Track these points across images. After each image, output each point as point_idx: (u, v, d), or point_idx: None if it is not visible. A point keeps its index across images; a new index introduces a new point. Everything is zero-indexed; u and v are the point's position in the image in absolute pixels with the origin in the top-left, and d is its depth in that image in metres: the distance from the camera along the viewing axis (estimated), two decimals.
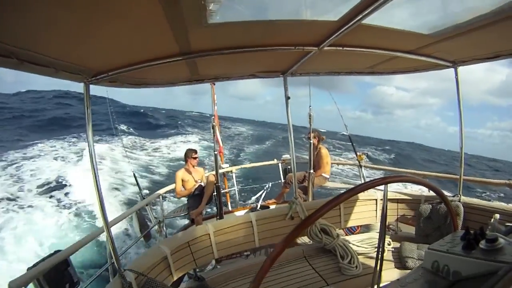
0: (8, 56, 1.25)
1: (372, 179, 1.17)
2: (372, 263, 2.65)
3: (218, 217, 4.55)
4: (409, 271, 2.31)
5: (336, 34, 1.75)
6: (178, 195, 5.25)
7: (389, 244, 2.89)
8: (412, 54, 2.33)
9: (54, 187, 11.03)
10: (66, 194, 10.46)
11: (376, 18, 1.48)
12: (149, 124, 36.53)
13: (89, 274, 5.87)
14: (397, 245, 2.86)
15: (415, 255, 2.60)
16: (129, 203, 9.60)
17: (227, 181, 6.67)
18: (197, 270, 2.65)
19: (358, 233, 4.42)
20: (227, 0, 1.31)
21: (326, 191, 7.28)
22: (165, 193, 5.44)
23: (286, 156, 6.75)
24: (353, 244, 2.83)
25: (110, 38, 1.45)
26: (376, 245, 2.83)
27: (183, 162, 5.42)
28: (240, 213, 5.48)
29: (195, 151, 5.37)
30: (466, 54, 2.50)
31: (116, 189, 11.56)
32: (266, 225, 2.93)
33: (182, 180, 5.17)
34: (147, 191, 5.98)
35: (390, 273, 2.48)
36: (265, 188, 5.64)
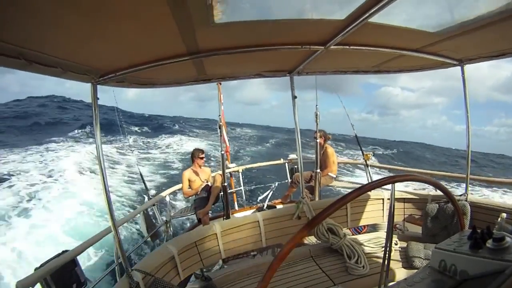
0: (16, 57, 1.27)
1: (379, 178, 1.18)
2: (379, 263, 2.64)
3: (225, 217, 4.57)
4: (416, 270, 2.31)
5: (343, 33, 1.75)
6: (185, 195, 5.28)
7: (396, 244, 2.89)
8: (418, 53, 2.31)
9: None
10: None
11: (382, 17, 1.48)
12: (157, 126, 37.44)
13: (94, 274, 5.98)
14: (404, 244, 2.85)
15: (422, 255, 2.59)
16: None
17: (234, 181, 6.69)
18: (204, 270, 2.67)
19: (365, 232, 4.40)
20: (234, 0, 1.32)
21: (333, 191, 7.27)
22: (172, 193, 5.48)
23: (292, 155, 6.75)
24: (360, 244, 2.83)
25: (117, 39, 1.46)
26: (383, 245, 2.84)
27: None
28: (247, 213, 5.49)
29: (202, 151, 5.39)
30: (472, 52, 2.48)
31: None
32: (273, 224, 2.93)
33: (189, 180, 5.20)
34: (154, 191, 6.02)
35: (397, 273, 2.48)
36: (271, 187, 5.65)
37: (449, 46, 2.23)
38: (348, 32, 1.71)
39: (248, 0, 1.38)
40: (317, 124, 3.91)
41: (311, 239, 3.64)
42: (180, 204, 9.25)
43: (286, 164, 6.71)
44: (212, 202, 4.98)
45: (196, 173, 5.24)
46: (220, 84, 6.22)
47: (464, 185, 3.00)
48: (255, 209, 5.54)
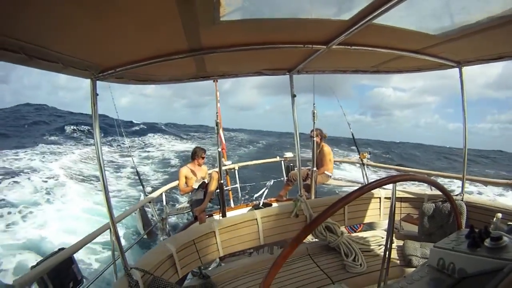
0: (17, 51, 1.25)
1: (380, 178, 1.20)
2: (375, 261, 2.66)
3: (221, 214, 4.57)
4: (413, 269, 2.33)
5: (346, 33, 1.75)
6: (182, 192, 5.27)
7: (392, 242, 2.90)
8: (418, 54, 2.33)
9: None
10: None
11: (385, 18, 1.49)
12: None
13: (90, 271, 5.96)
14: (400, 243, 2.88)
15: (419, 253, 2.61)
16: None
17: (229, 179, 6.68)
18: (202, 267, 2.67)
19: (361, 231, 4.44)
20: None
21: (329, 189, 7.29)
22: (168, 190, 5.46)
23: (288, 153, 6.76)
24: (357, 242, 2.85)
25: (120, 34, 1.44)
26: (380, 243, 2.86)
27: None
28: (243, 210, 5.50)
29: (205, 151, 5.38)
30: (471, 55, 2.51)
31: None
32: (271, 222, 2.93)
33: (186, 177, 5.18)
34: (150, 188, 6.00)
35: (394, 271, 2.51)
36: (267, 185, 5.65)
37: (448, 49, 2.25)
38: (352, 33, 1.71)
39: None
40: (314, 122, 3.91)
41: (308, 237, 3.65)
42: (176, 201, 9.25)
43: (282, 162, 6.72)
44: (208, 200, 4.98)
45: (194, 171, 5.24)
46: (217, 81, 6.21)
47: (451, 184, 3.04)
48: (251, 207, 5.55)
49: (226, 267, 2.78)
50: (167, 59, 1.89)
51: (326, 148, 5.45)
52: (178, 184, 5.25)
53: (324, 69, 2.98)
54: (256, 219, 2.87)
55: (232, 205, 5.98)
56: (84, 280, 2.49)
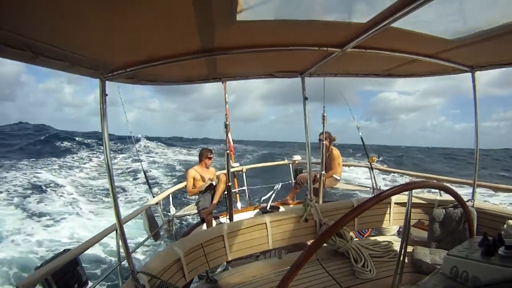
0: (22, 49, 1.22)
1: (397, 185, 1.19)
2: (385, 267, 2.63)
3: (228, 217, 4.55)
4: (423, 275, 2.29)
5: (363, 37, 1.72)
6: (189, 194, 5.27)
7: (405, 249, 2.87)
8: (432, 58, 2.30)
9: None
10: None
11: (402, 22, 1.47)
12: None
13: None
14: (410, 249, 2.84)
15: (428, 260, 2.58)
16: None
17: (237, 181, 6.67)
18: (209, 271, 2.65)
19: (368, 236, 4.40)
20: None
21: (336, 192, 7.24)
22: (175, 191, 5.48)
23: (297, 156, 6.73)
24: (366, 248, 2.82)
25: (133, 32, 1.40)
26: (389, 249, 2.83)
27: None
28: (250, 213, 5.49)
29: (211, 151, 5.39)
30: (484, 60, 2.49)
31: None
32: (280, 227, 2.91)
33: (194, 179, 5.19)
34: (157, 190, 6.03)
35: (404, 277, 2.47)
36: (275, 188, 5.63)
37: (462, 53, 2.22)
38: (368, 36, 1.68)
39: None
40: (323, 126, 3.90)
41: None
42: (184, 202, 9.30)
43: (291, 165, 6.70)
44: (216, 202, 4.97)
45: (202, 172, 5.24)
46: (225, 83, 6.23)
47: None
48: (258, 209, 5.54)
49: (233, 272, 2.76)
50: (181, 59, 1.85)
51: (336, 151, 5.43)
52: (186, 186, 5.25)
53: (336, 72, 2.95)
54: (265, 223, 2.85)
55: (239, 207, 5.97)
56: (89, 281, 2.47)
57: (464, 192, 2.59)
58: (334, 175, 5.34)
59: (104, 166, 1.95)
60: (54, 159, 23.33)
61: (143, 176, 5.82)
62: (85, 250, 2.45)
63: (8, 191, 12.72)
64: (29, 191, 13.02)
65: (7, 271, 6.47)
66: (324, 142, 4.09)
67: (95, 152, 29.51)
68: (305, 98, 3.02)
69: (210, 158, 5.32)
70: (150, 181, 5.99)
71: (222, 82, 5.99)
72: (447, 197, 3.24)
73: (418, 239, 3.25)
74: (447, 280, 0.98)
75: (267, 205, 5.38)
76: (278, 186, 5.64)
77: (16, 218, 9.68)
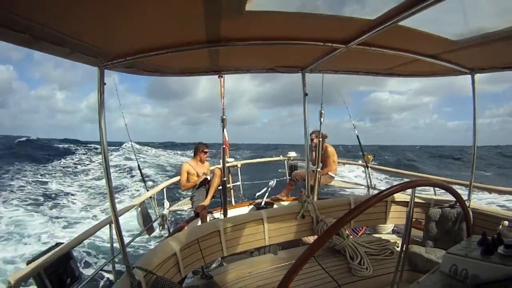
0: (22, 31, 1.16)
1: (399, 183, 1.18)
2: (381, 264, 2.64)
3: (222, 212, 4.53)
4: (419, 273, 2.30)
5: (369, 34, 1.70)
6: (183, 188, 5.22)
7: (397, 247, 2.88)
8: (433, 59, 2.30)
9: None
10: None
11: (409, 20, 1.45)
12: None
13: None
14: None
15: (424, 258, 2.59)
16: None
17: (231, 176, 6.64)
18: (204, 267, 2.62)
19: (363, 234, 4.42)
20: None
21: (331, 190, 7.27)
22: (169, 185, 5.44)
23: (292, 153, 6.74)
24: (362, 245, 2.82)
25: (136, 20, 1.36)
26: (385, 247, 2.84)
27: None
28: (244, 208, 5.48)
29: (207, 146, 5.36)
30: (485, 63, 2.50)
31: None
32: (277, 223, 2.90)
33: (188, 173, 5.15)
34: (151, 183, 5.97)
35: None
36: (269, 185, 5.62)
37: (464, 55, 2.22)
38: (375, 33, 1.66)
39: None
40: (320, 123, 3.89)
41: (310, 239, 3.62)
42: (176, 198, 9.24)
43: (286, 161, 6.70)
44: (211, 196, 4.95)
45: (196, 167, 5.20)
46: (222, 77, 6.17)
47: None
48: (253, 205, 5.52)
49: (228, 267, 2.73)
50: (183, 49, 1.80)
51: (331, 148, 5.43)
52: (180, 180, 5.21)
53: (337, 69, 2.92)
54: (262, 219, 2.83)
55: (233, 203, 5.94)
56: (82, 276, 2.43)
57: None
58: (329, 173, 5.34)
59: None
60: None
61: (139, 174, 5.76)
62: (78, 244, 2.42)
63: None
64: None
65: None
66: (320, 139, 4.09)
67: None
68: (305, 94, 3.00)
69: (205, 153, 5.30)
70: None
71: (219, 77, 5.94)
72: (443, 196, 3.26)
73: (414, 237, 3.26)
74: (447, 278, 1.00)
75: (261, 201, 5.36)
76: (273, 182, 5.63)
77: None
